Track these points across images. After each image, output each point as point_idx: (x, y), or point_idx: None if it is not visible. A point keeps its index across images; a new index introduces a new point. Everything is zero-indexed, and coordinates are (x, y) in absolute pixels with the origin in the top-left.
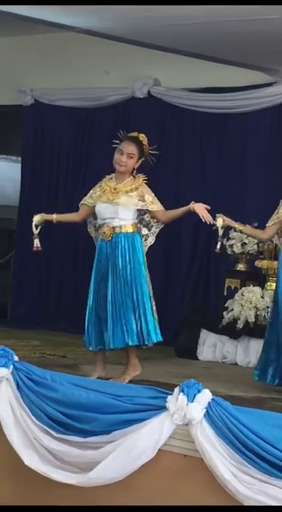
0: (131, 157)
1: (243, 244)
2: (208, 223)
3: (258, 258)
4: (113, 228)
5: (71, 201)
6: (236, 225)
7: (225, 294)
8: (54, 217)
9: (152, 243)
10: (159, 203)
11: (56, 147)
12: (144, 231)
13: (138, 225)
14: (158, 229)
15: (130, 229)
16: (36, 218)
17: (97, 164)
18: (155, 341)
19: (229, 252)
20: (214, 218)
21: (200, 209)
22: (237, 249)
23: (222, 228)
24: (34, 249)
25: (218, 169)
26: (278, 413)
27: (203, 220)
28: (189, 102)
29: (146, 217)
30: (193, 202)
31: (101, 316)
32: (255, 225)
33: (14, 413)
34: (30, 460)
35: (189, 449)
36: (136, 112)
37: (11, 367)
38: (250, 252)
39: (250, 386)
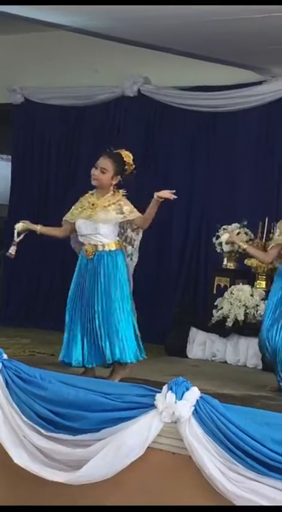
0: (103, 172)
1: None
2: (172, 198)
3: (247, 256)
4: (95, 245)
5: (61, 199)
6: (241, 243)
7: (214, 292)
8: (39, 228)
9: (136, 261)
10: (137, 211)
11: (46, 145)
12: (129, 249)
13: (123, 243)
14: (139, 243)
15: (113, 247)
16: (19, 225)
17: (87, 163)
18: (134, 360)
19: (218, 251)
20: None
21: (164, 194)
22: (226, 247)
23: (226, 243)
24: (7, 254)
25: (207, 168)
26: (266, 411)
27: (171, 198)
28: (179, 100)
29: (129, 232)
30: (156, 193)
31: (78, 332)
32: (244, 223)
33: (3, 411)
34: (20, 458)
35: (178, 447)
36: (126, 110)
37: (0, 365)
38: (239, 250)
39: (239, 384)
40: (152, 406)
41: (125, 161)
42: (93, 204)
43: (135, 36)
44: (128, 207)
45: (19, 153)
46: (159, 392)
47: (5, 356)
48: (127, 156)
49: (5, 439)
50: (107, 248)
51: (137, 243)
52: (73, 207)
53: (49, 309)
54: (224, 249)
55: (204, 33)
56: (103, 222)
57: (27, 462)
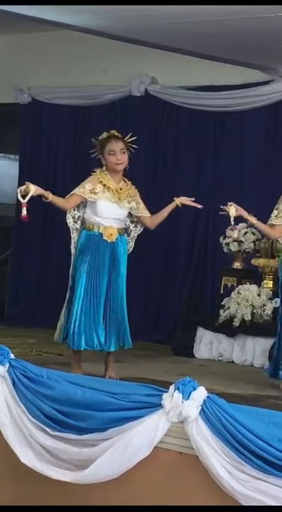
0: (123, 152)
1: (240, 242)
2: (199, 207)
3: (254, 256)
4: (117, 229)
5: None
6: (249, 218)
7: (221, 292)
8: (51, 197)
9: (131, 249)
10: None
11: (53, 145)
12: (125, 236)
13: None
14: (136, 235)
15: (122, 233)
16: (32, 187)
17: (94, 162)
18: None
19: (226, 250)
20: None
21: (187, 201)
22: (233, 247)
23: (235, 217)
24: (22, 216)
25: (215, 168)
26: (273, 410)
27: (199, 207)
28: (186, 100)
29: (127, 221)
30: (175, 198)
31: (90, 315)
32: None
33: (10, 411)
34: (27, 457)
35: (185, 447)
36: (133, 110)
37: (7, 365)
38: (246, 250)
39: (246, 384)
40: (159, 405)
41: (122, 137)
42: (120, 189)
43: (142, 35)
44: (142, 202)
45: (26, 152)
46: (166, 392)
47: (12, 356)
48: (118, 133)
49: (12, 438)
50: (122, 233)
51: (133, 234)
52: (90, 185)
53: (57, 309)
54: (232, 222)
55: (211, 33)
56: (127, 210)
57: (34, 461)
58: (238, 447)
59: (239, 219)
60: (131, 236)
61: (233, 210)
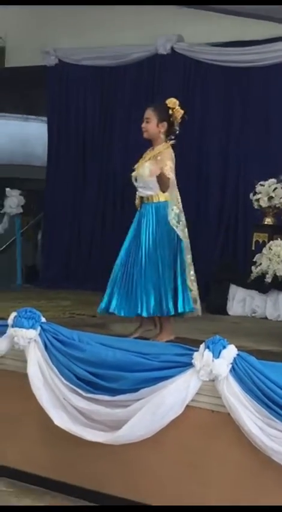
0: (148, 121)
1: (270, 198)
2: None
3: None
4: (141, 198)
5: (98, 159)
6: None
7: (253, 248)
8: None
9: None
10: (167, 169)
11: (81, 106)
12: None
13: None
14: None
15: (156, 199)
16: None
17: (122, 122)
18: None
19: (256, 207)
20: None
21: None
22: (264, 203)
23: None
24: None
25: (242, 123)
26: None
27: None
28: (212, 57)
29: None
30: None
31: (127, 281)
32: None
33: (43, 374)
34: (61, 420)
35: (217, 405)
36: (160, 69)
37: (39, 328)
38: (277, 205)
39: (279, 341)
40: (189, 364)
41: (169, 106)
42: (143, 157)
43: None
44: (164, 159)
45: (55, 114)
46: (197, 351)
47: (43, 319)
48: (170, 101)
49: (46, 401)
50: (151, 200)
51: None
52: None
53: (89, 270)
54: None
55: None
56: (140, 176)
57: (67, 423)
58: (269, 404)
59: (267, 174)
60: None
61: None
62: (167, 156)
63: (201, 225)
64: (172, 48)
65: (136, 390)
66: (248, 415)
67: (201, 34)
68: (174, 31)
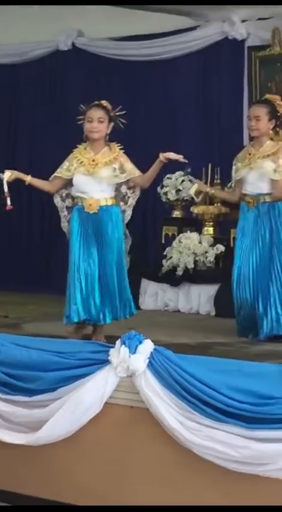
0: (101, 121)
1: (178, 191)
2: (184, 162)
3: (193, 203)
4: (99, 200)
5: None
6: (208, 189)
7: (163, 241)
8: (28, 179)
9: (129, 217)
10: (137, 169)
11: None
12: (122, 205)
13: (117, 198)
14: (134, 201)
15: (110, 203)
16: (8, 174)
17: (27, 120)
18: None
19: (164, 200)
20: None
21: (172, 155)
22: (172, 196)
23: (196, 195)
24: (7, 208)
25: (147, 118)
26: (220, 358)
27: (182, 161)
28: (114, 51)
29: (123, 189)
30: (161, 154)
31: (85, 287)
32: (188, 170)
33: None
34: None
35: (135, 401)
36: (62, 65)
37: None
38: (185, 198)
39: (193, 333)
40: (106, 361)
41: (109, 108)
42: (93, 160)
43: None
44: (128, 164)
45: None
46: (113, 347)
47: None
48: (107, 103)
49: None
50: (107, 203)
51: (131, 201)
52: (66, 163)
53: (1, 270)
54: (196, 200)
55: None
56: (106, 180)
57: None
58: (187, 397)
59: (174, 167)
60: (129, 204)
61: (194, 188)
62: (127, 160)
63: None
64: (73, 44)
65: (54, 390)
66: (167, 409)
67: (102, 29)
68: (74, 27)
